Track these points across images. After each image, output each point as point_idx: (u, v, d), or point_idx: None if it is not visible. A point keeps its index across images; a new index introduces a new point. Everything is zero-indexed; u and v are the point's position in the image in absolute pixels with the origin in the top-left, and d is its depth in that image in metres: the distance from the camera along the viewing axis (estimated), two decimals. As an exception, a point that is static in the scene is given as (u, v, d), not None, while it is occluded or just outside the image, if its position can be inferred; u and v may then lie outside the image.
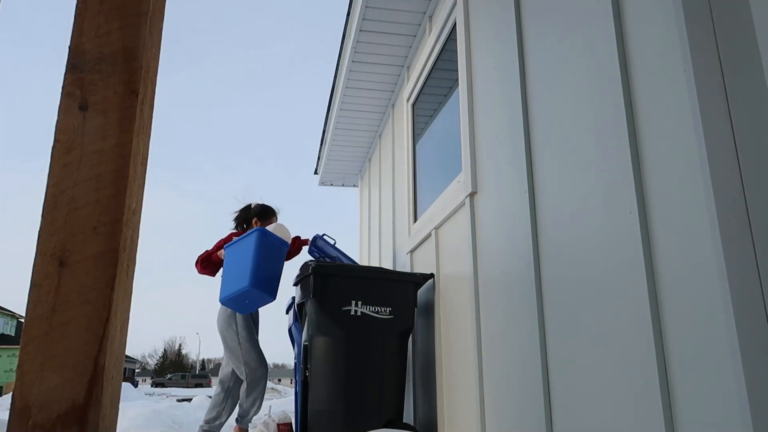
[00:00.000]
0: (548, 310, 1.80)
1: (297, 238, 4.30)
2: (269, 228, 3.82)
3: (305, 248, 4.27)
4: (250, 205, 4.23)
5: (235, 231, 4.13)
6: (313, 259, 3.74)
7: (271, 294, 3.49)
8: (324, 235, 4.05)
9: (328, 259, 3.89)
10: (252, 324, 3.94)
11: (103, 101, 0.94)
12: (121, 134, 0.93)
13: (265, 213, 4.17)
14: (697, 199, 1.18)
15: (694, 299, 1.18)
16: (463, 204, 2.66)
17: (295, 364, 3.37)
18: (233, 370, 3.97)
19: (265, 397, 4.01)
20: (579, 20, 1.71)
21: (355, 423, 2.73)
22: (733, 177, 1.14)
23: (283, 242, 3.75)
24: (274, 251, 3.67)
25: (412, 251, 3.72)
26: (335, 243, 4.01)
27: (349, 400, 2.77)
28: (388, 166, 4.89)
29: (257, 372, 3.88)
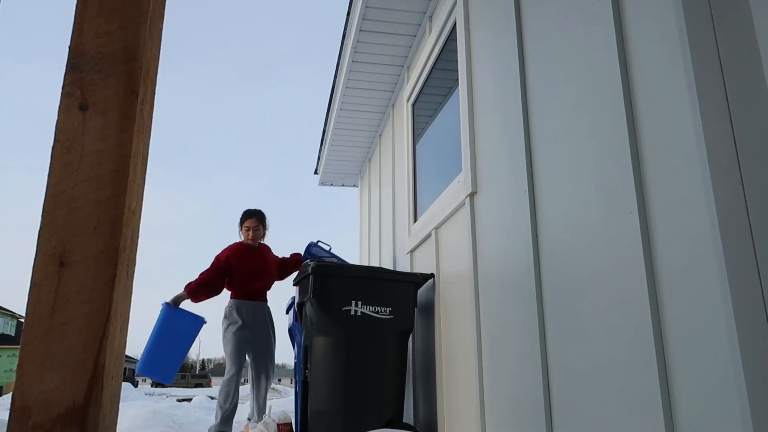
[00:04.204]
0: (548, 310, 1.80)
1: (297, 255, 4.50)
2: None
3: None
4: None
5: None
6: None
7: (162, 378, 3.81)
8: (318, 241, 4.10)
9: None
10: (241, 326, 4.10)
11: (103, 101, 0.94)
12: (121, 134, 0.93)
13: (240, 218, 4.34)
14: (697, 199, 1.18)
15: (694, 299, 1.18)
16: (463, 204, 2.66)
17: (295, 364, 3.37)
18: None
19: (236, 405, 4.06)
20: (579, 20, 1.71)
21: (355, 423, 2.73)
22: (733, 177, 1.14)
23: (194, 320, 4.02)
24: (178, 332, 3.97)
25: (412, 251, 3.72)
26: (330, 249, 4.05)
27: (349, 400, 2.77)
28: (388, 166, 4.89)
29: (228, 372, 4.09)
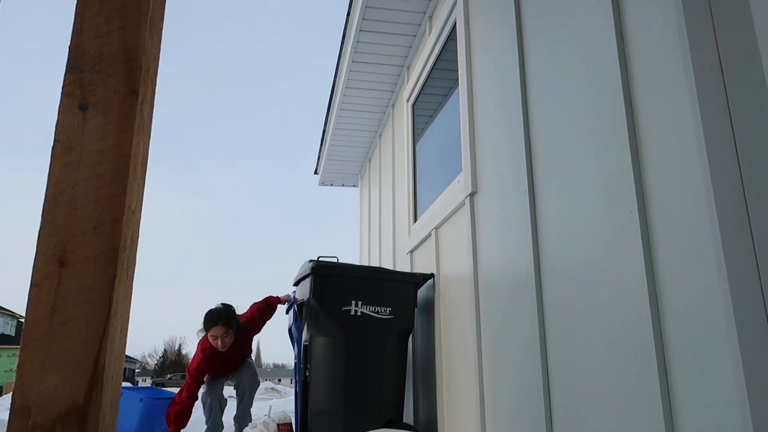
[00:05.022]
0: (548, 310, 1.80)
1: (268, 301, 4.26)
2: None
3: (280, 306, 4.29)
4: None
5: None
6: (292, 311, 3.58)
7: None
8: (320, 257, 4.05)
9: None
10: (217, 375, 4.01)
11: (103, 101, 0.94)
12: (121, 134, 0.93)
13: (203, 324, 3.81)
14: (697, 199, 1.18)
15: (694, 299, 1.18)
16: (463, 204, 2.66)
17: (295, 364, 3.37)
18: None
19: (223, 407, 4.01)
20: (579, 20, 1.71)
21: (355, 423, 2.73)
22: (733, 177, 1.14)
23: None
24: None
25: (412, 251, 3.72)
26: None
27: (349, 400, 2.77)
28: (388, 166, 4.90)
29: (206, 399, 3.96)
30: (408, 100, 4.15)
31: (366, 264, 5.68)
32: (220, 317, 3.73)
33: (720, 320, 1.10)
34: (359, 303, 2.87)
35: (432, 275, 3.14)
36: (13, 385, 0.84)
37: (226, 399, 4.10)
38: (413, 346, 3.46)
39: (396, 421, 2.88)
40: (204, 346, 3.86)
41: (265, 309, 4.17)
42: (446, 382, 2.82)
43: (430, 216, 3.24)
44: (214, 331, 3.71)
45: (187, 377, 3.89)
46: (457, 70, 2.89)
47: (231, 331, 3.77)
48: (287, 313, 3.81)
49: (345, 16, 4.11)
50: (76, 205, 0.89)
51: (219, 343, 3.73)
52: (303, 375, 2.99)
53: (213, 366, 3.94)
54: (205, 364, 3.85)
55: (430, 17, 3.72)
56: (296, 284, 3.32)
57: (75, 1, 0.99)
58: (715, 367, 1.12)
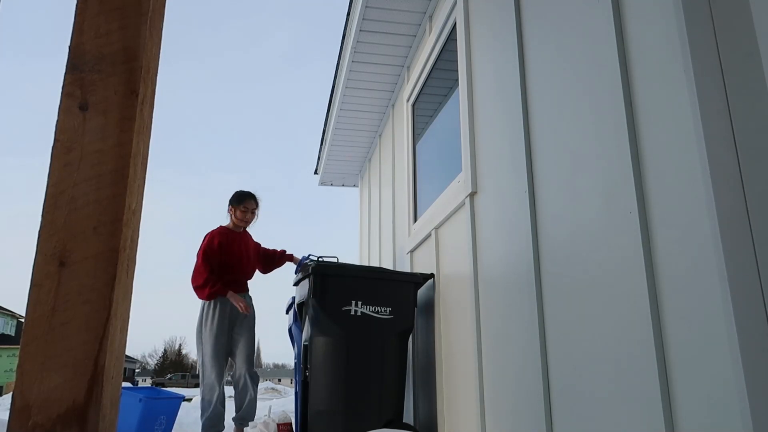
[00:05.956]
0: (548, 310, 1.80)
1: (283, 252, 4.32)
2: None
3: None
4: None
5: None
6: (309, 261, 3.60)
7: None
8: (309, 255, 4.01)
9: None
10: (224, 335, 3.74)
11: (103, 101, 0.94)
12: (121, 134, 0.93)
13: (237, 198, 4.03)
14: (697, 199, 1.18)
15: (694, 299, 1.18)
16: (463, 204, 2.66)
17: (295, 364, 3.37)
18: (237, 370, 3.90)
19: (223, 407, 3.75)
20: (579, 20, 1.71)
21: (355, 423, 2.73)
22: (733, 177, 1.14)
23: (173, 403, 4.41)
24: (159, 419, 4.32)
25: (412, 251, 3.72)
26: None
27: (349, 400, 2.77)
28: (388, 166, 4.90)
29: (207, 395, 3.71)
30: (408, 100, 4.15)
31: (366, 264, 5.68)
32: (255, 195, 4.07)
33: (720, 320, 1.10)
34: (359, 303, 2.87)
35: (432, 275, 3.14)
36: (13, 385, 0.85)
37: (224, 395, 3.97)
38: (413, 346, 3.46)
39: (396, 421, 2.88)
40: (212, 234, 3.91)
41: (275, 254, 4.30)
42: (446, 382, 2.82)
43: (430, 216, 3.24)
44: (249, 204, 4.00)
45: (198, 261, 3.79)
46: (457, 70, 2.89)
47: (257, 211, 4.08)
48: (287, 313, 3.81)
49: (345, 16, 4.11)
50: (76, 205, 0.89)
51: (248, 216, 4.01)
52: (303, 375, 2.99)
53: (229, 245, 3.88)
54: (219, 239, 3.87)
55: (430, 17, 3.72)
56: (296, 284, 3.32)
57: (75, 1, 0.99)
58: (715, 367, 1.12)
